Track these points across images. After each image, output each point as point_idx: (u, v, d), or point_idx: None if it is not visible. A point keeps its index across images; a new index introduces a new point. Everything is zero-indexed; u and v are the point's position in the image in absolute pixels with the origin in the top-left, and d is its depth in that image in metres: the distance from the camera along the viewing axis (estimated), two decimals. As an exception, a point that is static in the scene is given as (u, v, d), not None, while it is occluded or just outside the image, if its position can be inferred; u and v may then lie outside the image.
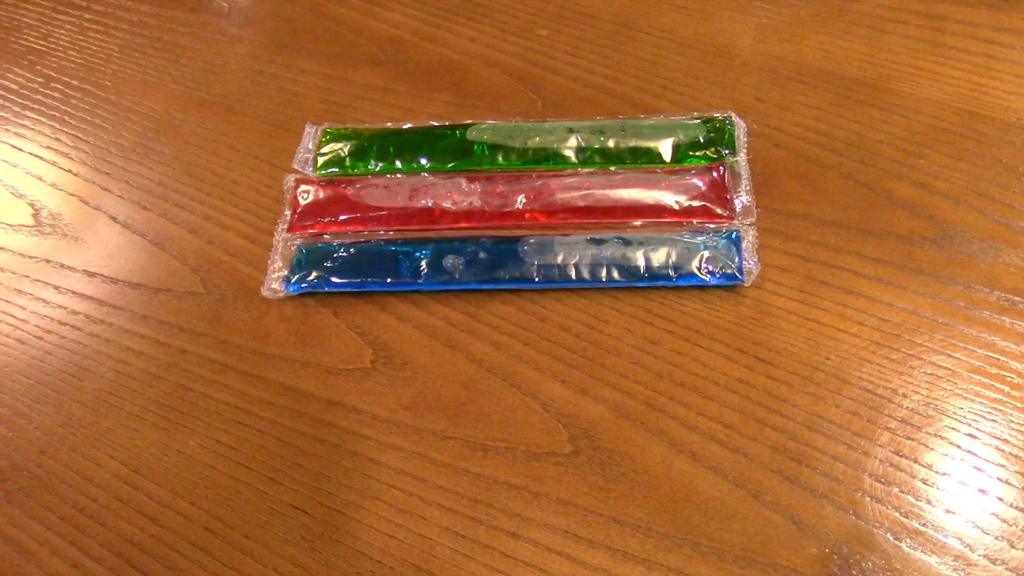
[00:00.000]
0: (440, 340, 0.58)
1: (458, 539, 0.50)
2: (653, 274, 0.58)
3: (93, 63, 0.78)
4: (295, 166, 0.67)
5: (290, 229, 0.64)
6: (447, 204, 0.63)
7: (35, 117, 0.75)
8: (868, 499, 0.50)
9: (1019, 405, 0.52)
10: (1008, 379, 0.53)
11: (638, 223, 0.61)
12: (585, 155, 0.65)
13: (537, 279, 0.59)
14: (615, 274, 0.58)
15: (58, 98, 0.76)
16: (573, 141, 0.65)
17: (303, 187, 0.65)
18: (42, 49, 0.80)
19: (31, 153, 0.72)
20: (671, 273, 0.58)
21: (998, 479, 0.50)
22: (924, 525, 0.49)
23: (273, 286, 0.61)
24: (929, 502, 0.50)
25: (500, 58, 0.74)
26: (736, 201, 0.62)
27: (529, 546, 0.50)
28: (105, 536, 0.52)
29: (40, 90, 0.77)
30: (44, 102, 0.76)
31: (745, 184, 0.62)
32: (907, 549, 0.48)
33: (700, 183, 0.62)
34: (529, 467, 0.52)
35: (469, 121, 0.68)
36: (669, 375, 0.55)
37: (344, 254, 0.62)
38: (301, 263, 0.61)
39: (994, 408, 0.52)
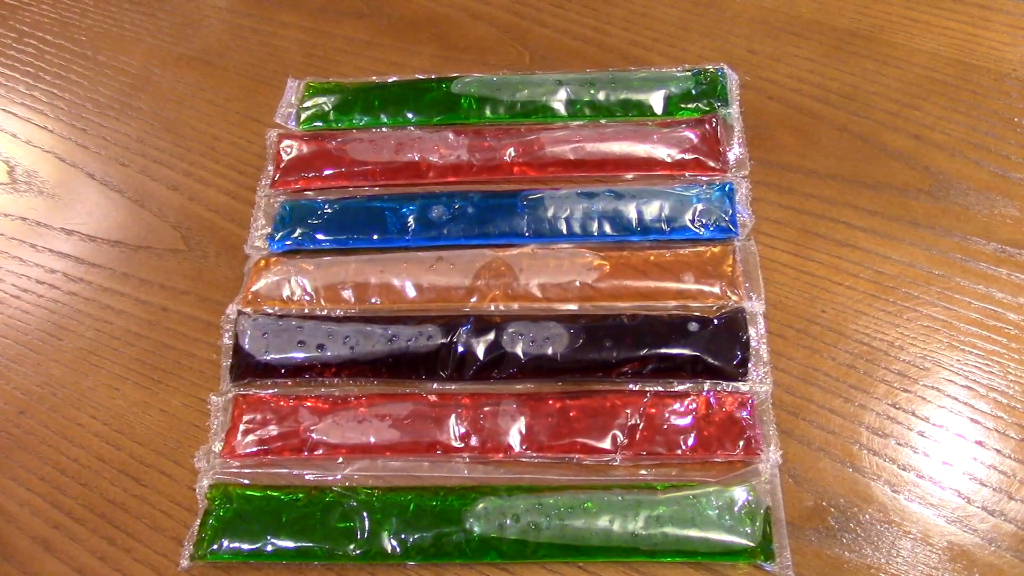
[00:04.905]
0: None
1: None
2: (646, 227, 0.57)
3: (68, 17, 0.76)
4: (277, 121, 0.66)
5: (273, 185, 0.62)
6: (434, 158, 0.62)
7: (8, 73, 0.72)
8: (865, 452, 0.49)
9: (1016, 357, 0.52)
10: (1005, 331, 0.53)
11: (630, 176, 0.60)
12: (575, 108, 0.64)
13: (528, 233, 0.58)
14: (607, 228, 0.57)
15: (32, 53, 0.74)
16: (562, 94, 0.64)
17: (286, 142, 0.64)
18: (15, 4, 0.77)
19: (4, 110, 0.70)
20: (664, 226, 0.57)
21: (996, 431, 0.50)
22: (921, 477, 0.49)
23: (256, 243, 0.60)
24: (926, 454, 0.49)
25: (486, 10, 0.72)
26: (729, 154, 0.60)
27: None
28: (87, 497, 0.51)
29: (13, 45, 0.74)
30: (17, 58, 0.73)
31: (738, 136, 0.61)
32: (905, 501, 0.48)
33: (692, 135, 0.61)
34: None
35: (455, 74, 0.66)
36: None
37: (329, 210, 0.60)
38: (285, 220, 0.60)
39: (991, 360, 0.52)
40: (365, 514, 0.48)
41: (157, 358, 0.56)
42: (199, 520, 0.49)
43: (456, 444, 0.50)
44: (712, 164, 0.60)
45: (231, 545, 0.48)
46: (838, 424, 0.50)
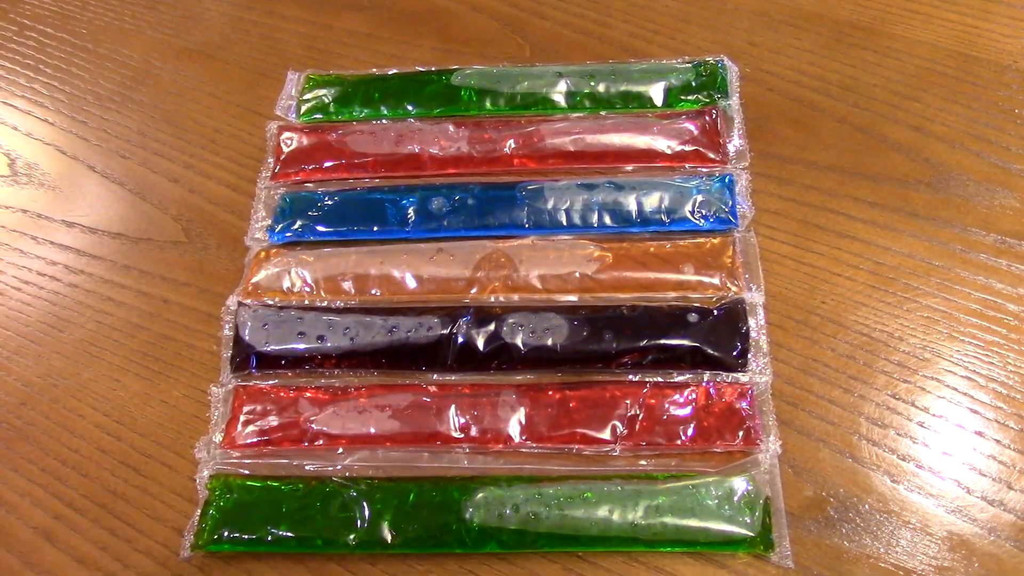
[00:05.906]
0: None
1: None
2: (646, 219, 0.57)
3: (68, 10, 0.76)
4: (278, 113, 0.66)
5: (273, 177, 0.62)
6: (434, 150, 0.62)
7: (8, 66, 0.72)
8: (865, 442, 0.49)
9: (1016, 347, 0.52)
10: (1005, 321, 0.53)
11: (630, 168, 0.60)
12: (575, 100, 0.64)
13: (528, 225, 0.58)
14: (607, 219, 0.57)
15: (32, 46, 0.74)
16: (562, 86, 0.64)
17: (286, 134, 0.64)
18: (15, -3, 0.78)
19: (5, 102, 0.70)
20: (664, 218, 0.57)
21: (995, 421, 0.50)
22: (921, 467, 0.49)
23: (257, 235, 0.60)
24: (926, 444, 0.49)
25: (486, 3, 0.72)
26: (729, 145, 0.60)
27: None
28: (88, 487, 0.51)
29: (14, 38, 0.74)
30: (18, 51, 0.73)
31: (738, 128, 0.61)
32: (904, 491, 0.48)
33: (692, 127, 0.61)
34: None
35: (456, 66, 0.66)
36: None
37: (329, 202, 0.60)
38: (285, 212, 0.60)
39: (991, 350, 0.52)
40: (365, 504, 0.48)
41: (158, 349, 0.56)
42: (199, 510, 0.49)
43: (456, 435, 0.51)
44: (712, 156, 0.60)
45: (231, 535, 0.48)
46: (838, 414, 0.50)
